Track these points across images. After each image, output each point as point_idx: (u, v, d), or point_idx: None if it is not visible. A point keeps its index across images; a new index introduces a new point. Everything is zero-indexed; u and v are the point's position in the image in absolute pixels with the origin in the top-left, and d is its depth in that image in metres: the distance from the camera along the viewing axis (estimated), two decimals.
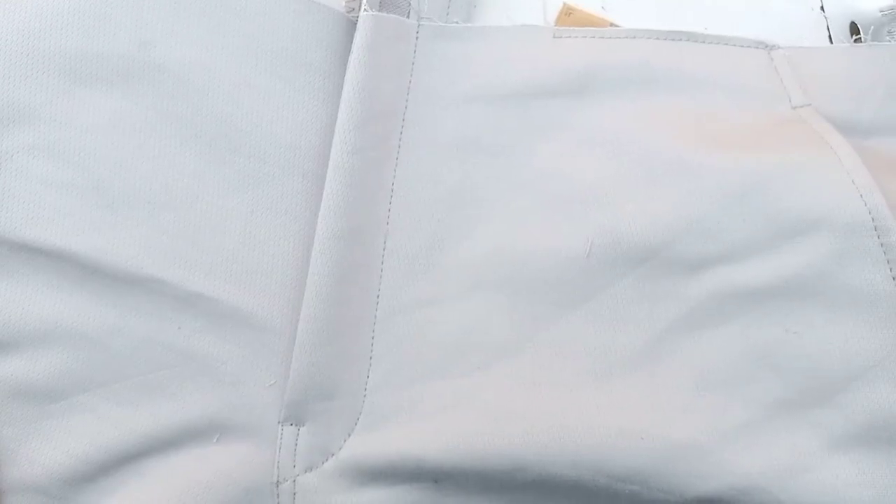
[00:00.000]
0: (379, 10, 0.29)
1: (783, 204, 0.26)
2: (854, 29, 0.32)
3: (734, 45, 0.30)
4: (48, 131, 0.26)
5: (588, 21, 0.31)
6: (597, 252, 0.27)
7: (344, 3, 0.30)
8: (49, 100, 0.26)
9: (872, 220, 0.26)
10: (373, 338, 0.27)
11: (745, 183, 0.27)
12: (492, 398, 0.26)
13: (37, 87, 0.25)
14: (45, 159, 0.26)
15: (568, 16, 0.32)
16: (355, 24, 0.28)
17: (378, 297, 0.27)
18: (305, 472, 0.26)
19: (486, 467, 0.25)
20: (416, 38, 0.30)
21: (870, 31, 0.31)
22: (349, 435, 0.26)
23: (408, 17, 0.30)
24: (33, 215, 0.25)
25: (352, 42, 0.28)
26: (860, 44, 0.31)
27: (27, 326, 0.25)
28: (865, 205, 0.26)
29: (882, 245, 0.26)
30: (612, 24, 0.31)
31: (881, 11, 0.31)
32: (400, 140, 0.29)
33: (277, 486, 0.25)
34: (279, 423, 0.26)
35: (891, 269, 0.26)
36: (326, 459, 0.26)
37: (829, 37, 0.33)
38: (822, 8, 0.33)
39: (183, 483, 0.25)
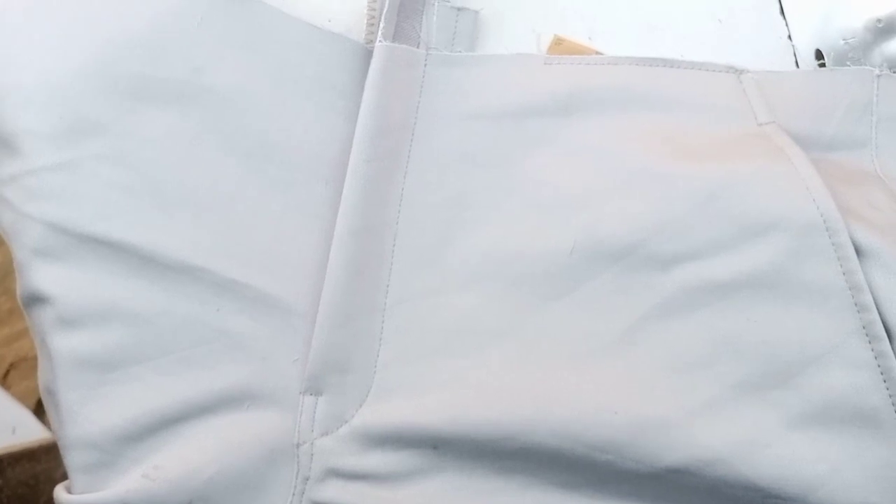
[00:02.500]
0: (392, 41, 0.32)
1: (745, 207, 0.29)
2: (819, 55, 0.35)
3: (706, 70, 0.33)
4: (114, 142, 0.29)
5: (576, 50, 0.34)
6: (579, 250, 0.29)
7: (363, 35, 0.33)
8: (116, 115, 0.29)
9: (824, 221, 0.28)
10: (382, 322, 0.30)
11: (712, 189, 0.29)
12: (485, 377, 0.28)
13: (106, 105, 0.29)
14: (111, 165, 0.28)
15: (558, 45, 0.34)
16: (372, 52, 0.32)
17: (388, 287, 0.30)
18: (322, 436, 0.28)
19: (479, 436, 0.27)
20: (425, 65, 0.33)
21: (831, 57, 0.34)
22: (361, 405, 0.28)
23: (418, 47, 0.33)
24: (99, 213, 0.28)
25: (369, 68, 0.31)
26: (823, 68, 0.34)
27: (90, 306, 0.27)
28: (818, 208, 0.28)
29: (833, 244, 0.28)
30: (597, 53, 0.34)
31: (843, 40, 0.34)
32: (409, 152, 0.32)
33: (298, 448, 0.28)
34: (300, 393, 0.28)
35: (841, 266, 0.28)
36: (340, 426, 0.28)
37: (796, 62, 0.36)
38: (789, 37, 0.36)
39: (218, 443, 0.27)
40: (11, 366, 0.70)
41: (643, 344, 0.28)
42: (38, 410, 0.64)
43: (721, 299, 0.28)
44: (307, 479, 0.28)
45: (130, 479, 0.27)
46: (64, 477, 0.29)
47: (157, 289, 0.28)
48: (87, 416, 0.27)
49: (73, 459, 0.28)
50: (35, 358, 0.29)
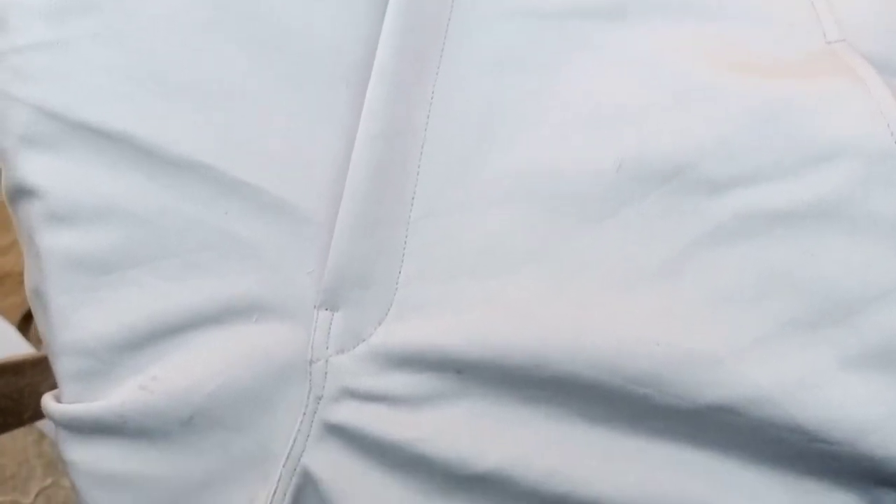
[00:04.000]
0: None
1: (809, 130, 0.27)
2: None
3: None
4: (111, 21, 0.27)
5: None
6: (626, 168, 0.27)
7: None
8: None
9: None
10: (406, 235, 0.28)
11: (772, 108, 0.27)
12: (516, 298, 0.27)
13: None
14: (108, 46, 0.27)
15: None
16: None
17: (413, 198, 0.28)
18: (337, 353, 0.26)
19: (507, 362, 0.26)
20: None
21: None
22: (380, 323, 0.27)
23: None
24: (94, 97, 0.26)
25: None
26: None
27: (83, 202, 0.26)
28: (892, 134, 0.26)
29: None
30: None
31: None
32: (441, 52, 0.30)
33: (311, 365, 0.26)
34: (315, 307, 0.27)
35: None
36: (358, 344, 0.27)
37: None
38: None
39: (223, 355, 0.26)
40: None
41: (690, 273, 0.27)
42: (23, 327, 0.62)
43: (777, 229, 0.26)
44: (320, 399, 0.26)
45: (126, 390, 0.26)
46: (52, 389, 0.28)
47: (158, 186, 0.27)
48: (80, 321, 0.26)
49: (63, 366, 0.27)
50: (20, 274, 0.27)
